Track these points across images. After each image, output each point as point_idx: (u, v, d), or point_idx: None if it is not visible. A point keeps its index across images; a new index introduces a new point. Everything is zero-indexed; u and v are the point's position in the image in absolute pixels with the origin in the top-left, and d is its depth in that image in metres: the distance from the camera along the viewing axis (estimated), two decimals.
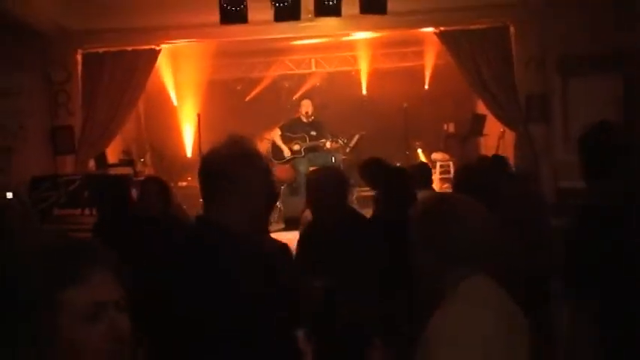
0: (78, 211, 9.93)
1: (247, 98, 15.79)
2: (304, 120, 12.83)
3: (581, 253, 3.77)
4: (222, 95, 15.34)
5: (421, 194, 5.62)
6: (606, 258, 3.67)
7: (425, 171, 7.09)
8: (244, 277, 2.76)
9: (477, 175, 5.11)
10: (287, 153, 12.67)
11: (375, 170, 6.57)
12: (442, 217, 2.60)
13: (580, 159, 3.98)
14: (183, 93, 15.22)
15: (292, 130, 12.80)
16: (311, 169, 12.37)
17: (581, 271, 3.74)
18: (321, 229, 4.59)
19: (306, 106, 12.86)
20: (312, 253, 4.51)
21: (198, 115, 12.33)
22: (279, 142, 12.77)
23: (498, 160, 7.51)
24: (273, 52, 14.69)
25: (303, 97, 13.50)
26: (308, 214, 5.55)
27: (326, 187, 4.58)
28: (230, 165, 2.85)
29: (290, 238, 4.97)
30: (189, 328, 2.71)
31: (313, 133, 12.75)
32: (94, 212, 9.14)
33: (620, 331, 3.63)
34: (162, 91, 15.13)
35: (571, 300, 3.76)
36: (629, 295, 3.64)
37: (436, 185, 12.81)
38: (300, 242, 4.81)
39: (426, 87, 14.83)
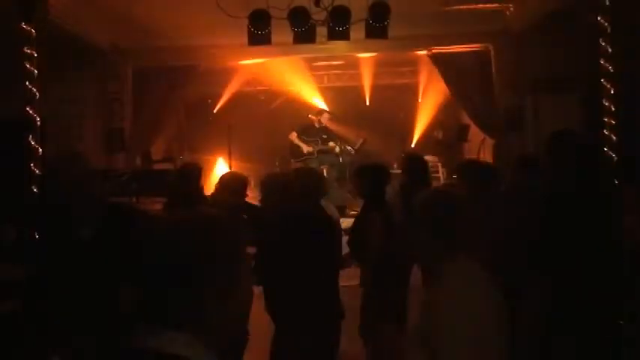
0: (126, 199, 10.01)
1: (271, 107, 15.83)
2: (316, 126, 12.89)
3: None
4: (248, 103, 15.40)
5: None
6: (553, 240, 3.70)
7: None
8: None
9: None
10: (305, 150, 12.69)
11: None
12: (450, 209, 2.58)
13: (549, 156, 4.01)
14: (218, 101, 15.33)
15: (306, 133, 12.87)
16: (321, 167, 12.51)
17: (534, 251, 3.76)
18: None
19: (325, 119, 12.93)
20: None
21: (229, 126, 12.37)
22: (298, 142, 12.81)
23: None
24: (292, 68, 14.72)
25: (322, 111, 13.41)
26: None
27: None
28: None
29: None
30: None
31: (324, 136, 12.83)
32: (139, 200, 9.25)
33: (568, 300, 3.63)
34: (201, 98, 15.24)
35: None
36: (577, 271, 3.67)
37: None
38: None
39: (419, 100, 14.83)
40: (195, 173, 6.05)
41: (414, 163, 6.14)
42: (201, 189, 6.14)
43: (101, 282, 2.95)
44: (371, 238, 4.93)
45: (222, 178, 5.62)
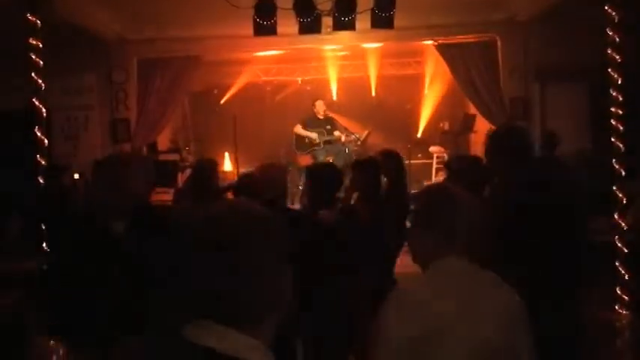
0: None
1: (276, 98, 15.83)
2: (320, 117, 12.89)
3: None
4: (255, 95, 15.42)
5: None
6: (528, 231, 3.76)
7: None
8: None
9: None
10: (314, 137, 12.69)
11: None
12: (443, 204, 2.54)
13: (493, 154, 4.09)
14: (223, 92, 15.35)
15: (310, 125, 12.87)
16: (328, 158, 12.51)
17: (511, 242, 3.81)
18: None
19: (320, 106, 12.93)
20: None
21: (234, 117, 12.38)
22: (303, 133, 12.81)
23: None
24: (297, 59, 14.71)
25: (319, 98, 13.42)
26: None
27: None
28: None
29: None
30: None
31: (328, 127, 12.82)
32: None
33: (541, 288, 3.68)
34: (206, 90, 15.27)
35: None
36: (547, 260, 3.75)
37: (433, 174, 12.89)
38: None
39: (426, 91, 14.79)
40: (213, 167, 6.44)
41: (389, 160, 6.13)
42: (217, 182, 6.43)
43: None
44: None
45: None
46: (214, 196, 5.89)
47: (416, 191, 2.90)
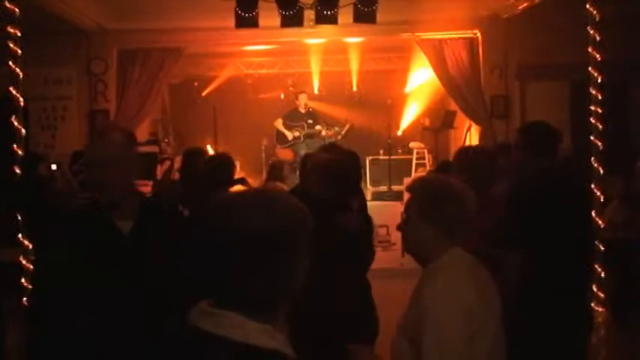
0: None
1: (257, 92, 15.76)
2: (302, 111, 12.90)
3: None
4: (236, 88, 15.36)
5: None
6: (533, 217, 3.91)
7: None
8: None
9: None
10: (290, 137, 12.75)
11: None
12: (444, 196, 2.54)
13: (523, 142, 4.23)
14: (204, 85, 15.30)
15: (292, 119, 12.90)
16: (309, 152, 12.51)
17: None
18: None
19: (303, 99, 12.96)
20: None
21: (214, 109, 12.36)
22: (283, 129, 12.85)
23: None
24: (279, 52, 14.66)
25: (301, 91, 13.47)
26: None
27: None
28: None
29: None
30: None
31: (310, 121, 12.84)
32: None
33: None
34: (186, 82, 15.20)
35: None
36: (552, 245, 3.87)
37: (413, 170, 12.91)
38: None
39: (407, 86, 14.80)
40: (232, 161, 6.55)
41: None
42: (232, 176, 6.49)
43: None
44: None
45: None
46: (227, 187, 6.02)
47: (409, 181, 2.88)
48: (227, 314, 1.51)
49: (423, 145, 13.22)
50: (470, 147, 8.26)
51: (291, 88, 14.15)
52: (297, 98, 13.08)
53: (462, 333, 2.33)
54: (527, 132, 4.46)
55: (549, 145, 4.22)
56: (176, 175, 12.07)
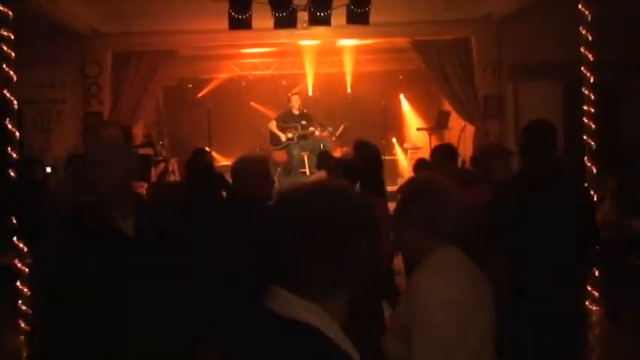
0: None
1: (250, 93, 15.75)
2: (295, 112, 12.90)
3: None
4: (230, 90, 15.37)
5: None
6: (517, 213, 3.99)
7: None
8: None
9: None
10: (283, 139, 12.75)
11: None
12: (427, 196, 2.53)
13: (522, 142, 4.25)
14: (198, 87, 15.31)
15: (285, 120, 12.90)
16: (302, 153, 12.53)
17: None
18: None
19: (296, 101, 12.96)
20: None
21: (208, 111, 12.38)
22: (276, 131, 12.85)
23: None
24: (273, 54, 14.67)
25: (295, 93, 13.50)
26: None
27: None
28: None
29: None
30: None
31: (304, 122, 12.84)
32: None
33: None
34: (180, 84, 15.20)
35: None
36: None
37: (407, 170, 12.93)
38: None
39: (401, 88, 14.82)
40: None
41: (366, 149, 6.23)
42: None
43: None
44: None
45: None
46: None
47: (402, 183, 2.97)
48: (296, 300, 1.59)
49: (417, 146, 13.23)
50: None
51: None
52: (289, 100, 13.09)
53: (450, 324, 2.34)
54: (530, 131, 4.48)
55: (551, 144, 4.24)
56: (171, 177, 12.13)
